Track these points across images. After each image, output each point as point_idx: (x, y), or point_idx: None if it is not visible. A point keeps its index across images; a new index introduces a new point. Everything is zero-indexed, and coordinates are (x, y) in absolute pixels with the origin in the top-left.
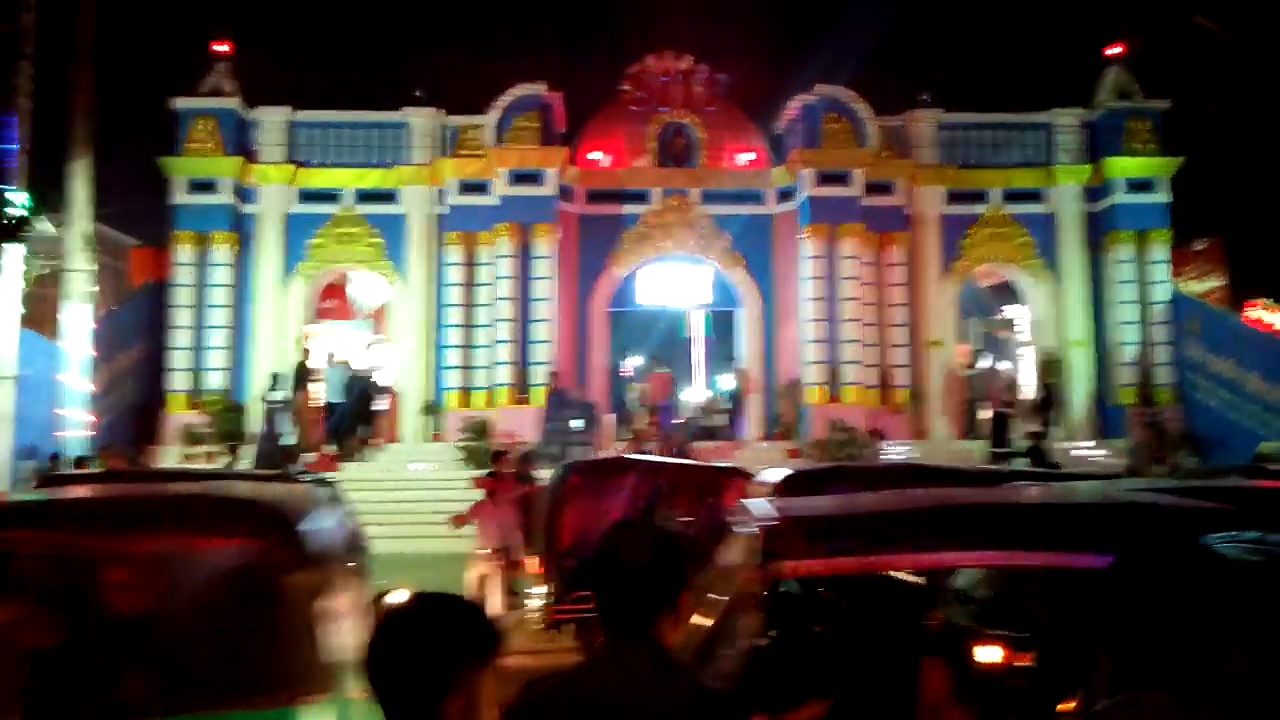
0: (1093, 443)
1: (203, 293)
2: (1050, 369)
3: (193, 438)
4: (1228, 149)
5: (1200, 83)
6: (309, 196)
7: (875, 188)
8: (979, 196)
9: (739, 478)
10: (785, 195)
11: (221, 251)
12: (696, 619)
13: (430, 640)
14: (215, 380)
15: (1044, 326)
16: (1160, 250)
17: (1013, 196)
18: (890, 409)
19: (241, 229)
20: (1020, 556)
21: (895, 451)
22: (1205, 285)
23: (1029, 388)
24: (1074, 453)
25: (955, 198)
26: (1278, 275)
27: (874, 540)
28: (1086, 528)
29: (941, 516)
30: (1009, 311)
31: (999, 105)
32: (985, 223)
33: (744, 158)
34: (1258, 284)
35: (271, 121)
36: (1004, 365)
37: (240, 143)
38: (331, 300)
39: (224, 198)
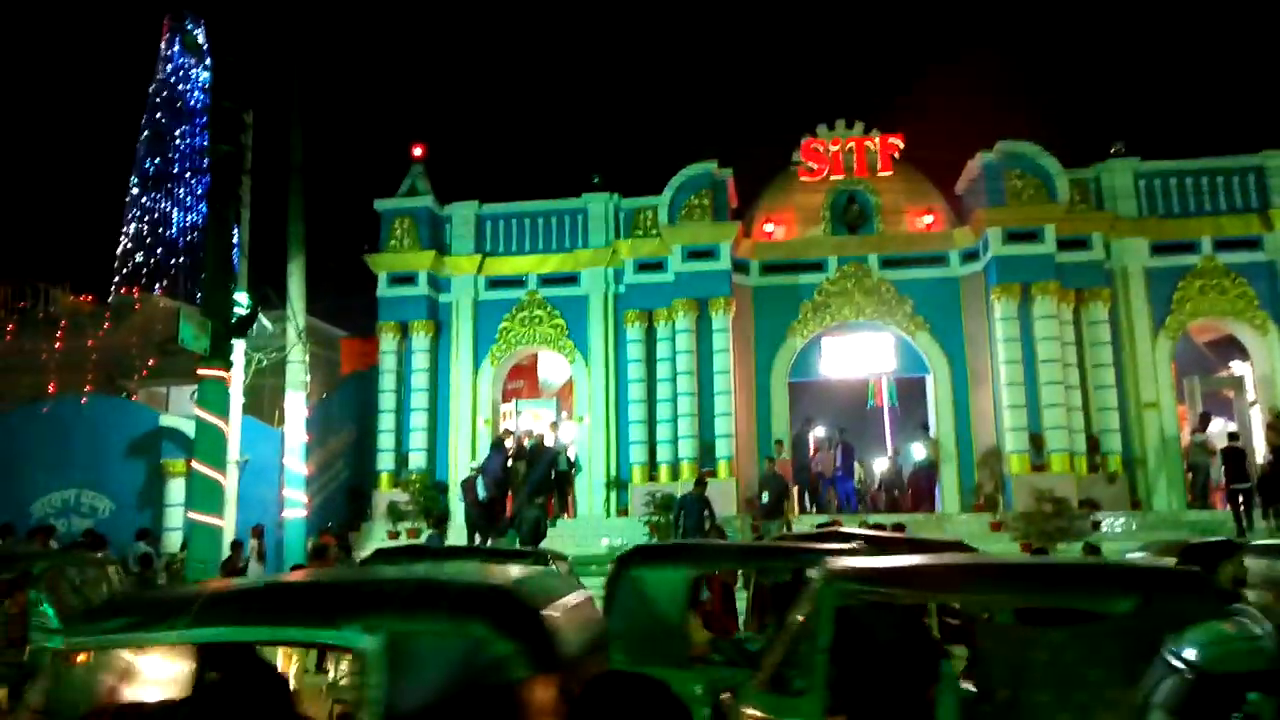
0: None
1: (404, 377)
2: (1278, 431)
3: (397, 515)
4: None
5: None
6: (496, 283)
7: (1069, 243)
8: (1188, 247)
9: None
10: (970, 256)
11: (420, 339)
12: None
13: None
14: (417, 460)
15: (1273, 383)
16: None
17: (1225, 245)
18: (1103, 477)
19: (437, 317)
20: None
21: (1110, 523)
22: None
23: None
24: None
25: (1160, 249)
26: None
27: None
28: None
29: None
30: (1235, 369)
31: (1199, 150)
32: (1197, 274)
33: (923, 220)
34: None
35: (461, 215)
36: (1227, 427)
37: (434, 237)
38: (519, 380)
39: (421, 289)
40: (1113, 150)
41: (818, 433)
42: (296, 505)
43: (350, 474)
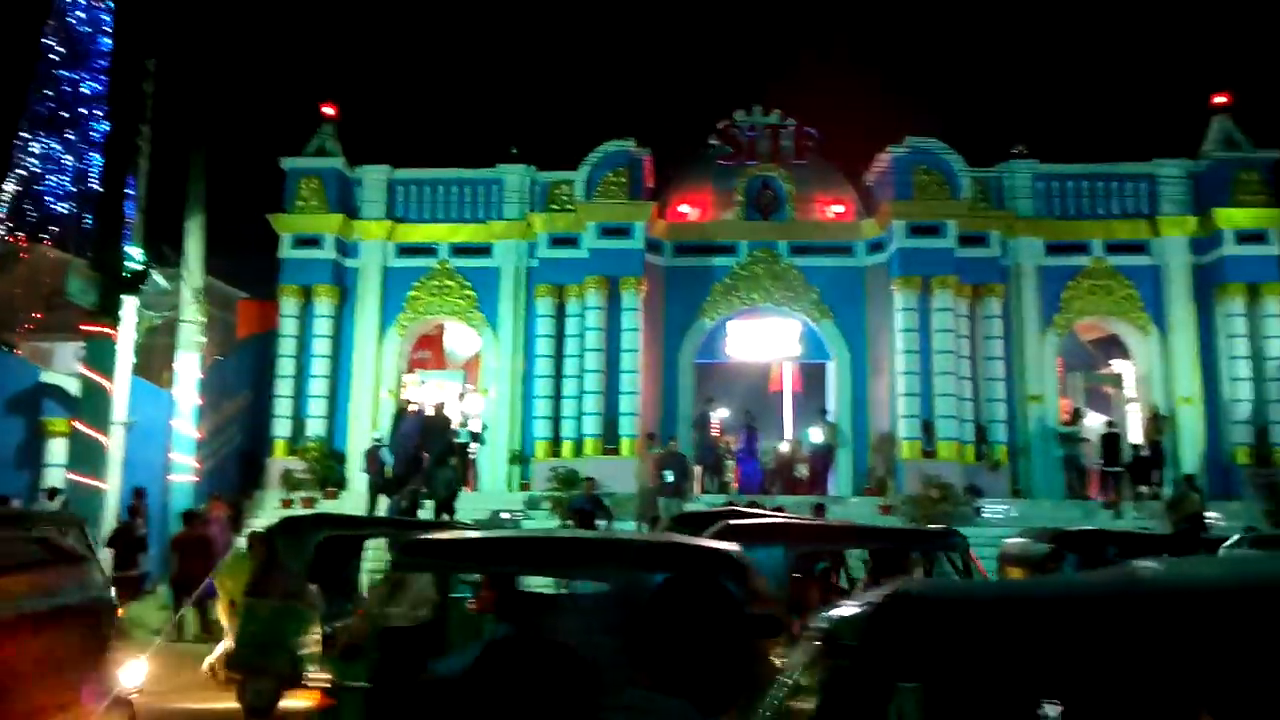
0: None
1: (305, 343)
2: (1157, 426)
3: (292, 483)
4: None
5: None
6: (406, 251)
7: (969, 239)
8: (1080, 248)
9: None
10: (876, 247)
11: (323, 304)
12: None
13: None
14: (315, 427)
15: (1151, 382)
16: (1274, 303)
17: (1115, 248)
18: (988, 465)
19: (343, 282)
20: None
21: (994, 510)
22: None
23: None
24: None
25: (1054, 249)
26: None
27: None
28: None
29: None
30: (1115, 366)
31: (1097, 156)
32: (1087, 275)
33: (833, 210)
34: None
35: (372, 179)
36: (1100, 421)
37: (343, 200)
38: (426, 351)
39: (327, 253)
40: (1014, 152)
41: (721, 414)
42: (184, 470)
43: (244, 440)
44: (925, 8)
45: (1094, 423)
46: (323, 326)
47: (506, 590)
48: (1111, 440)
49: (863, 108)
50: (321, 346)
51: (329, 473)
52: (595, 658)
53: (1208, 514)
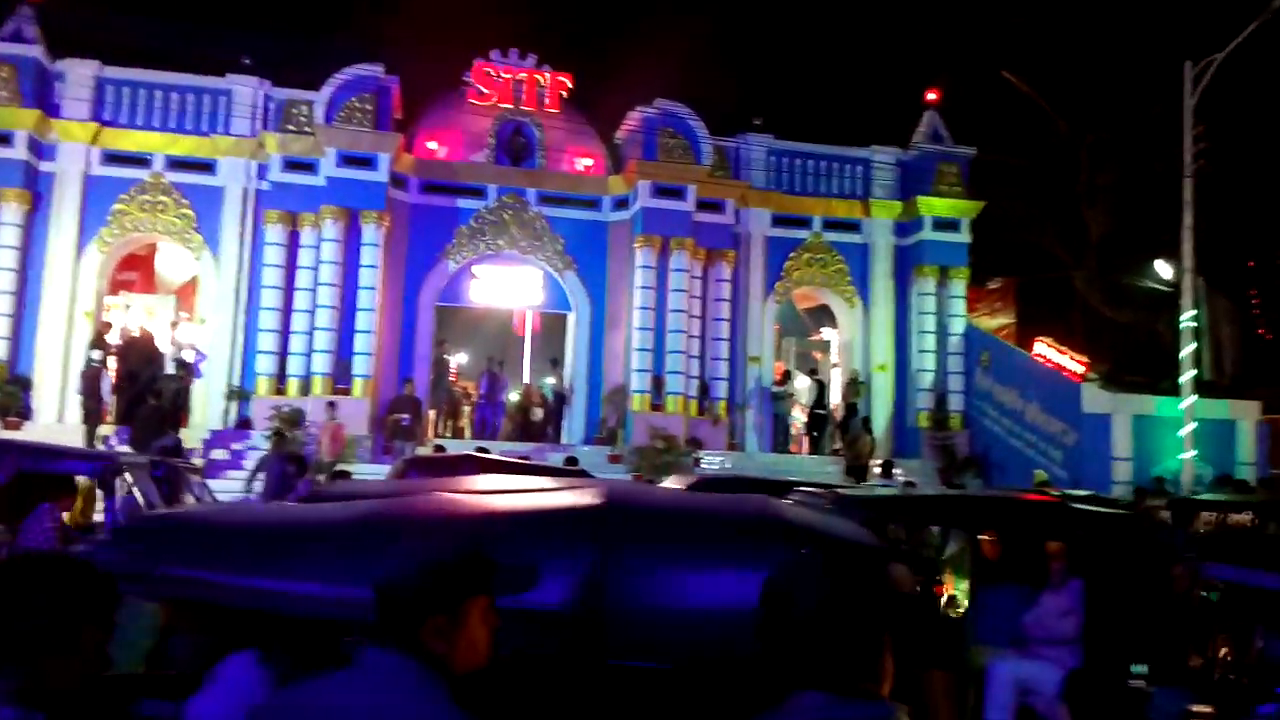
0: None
1: None
2: (854, 389)
3: None
4: (1023, 197)
5: (1003, 133)
6: (113, 159)
7: (707, 205)
8: (803, 222)
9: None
10: (621, 204)
11: (11, 210)
12: None
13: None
14: None
15: (853, 349)
16: (959, 286)
17: (832, 225)
18: (709, 419)
19: (35, 188)
20: None
21: (711, 460)
22: (997, 321)
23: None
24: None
25: (780, 221)
26: (1061, 316)
27: None
28: None
29: None
30: (825, 334)
31: (825, 137)
32: (806, 248)
33: (582, 163)
34: (1043, 323)
35: (77, 74)
36: (808, 383)
37: (40, 95)
38: (133, 272)
39: (18, 152)
40: (754, 124)
41: (460, 359)
42: None
43: None
44: None
45: (801, 384)
46: (9, 235)
47: None
48: (816, 400)
49: (616, 63)
50: (7, 258)
51: (10, 401)
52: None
53: (896, 470)
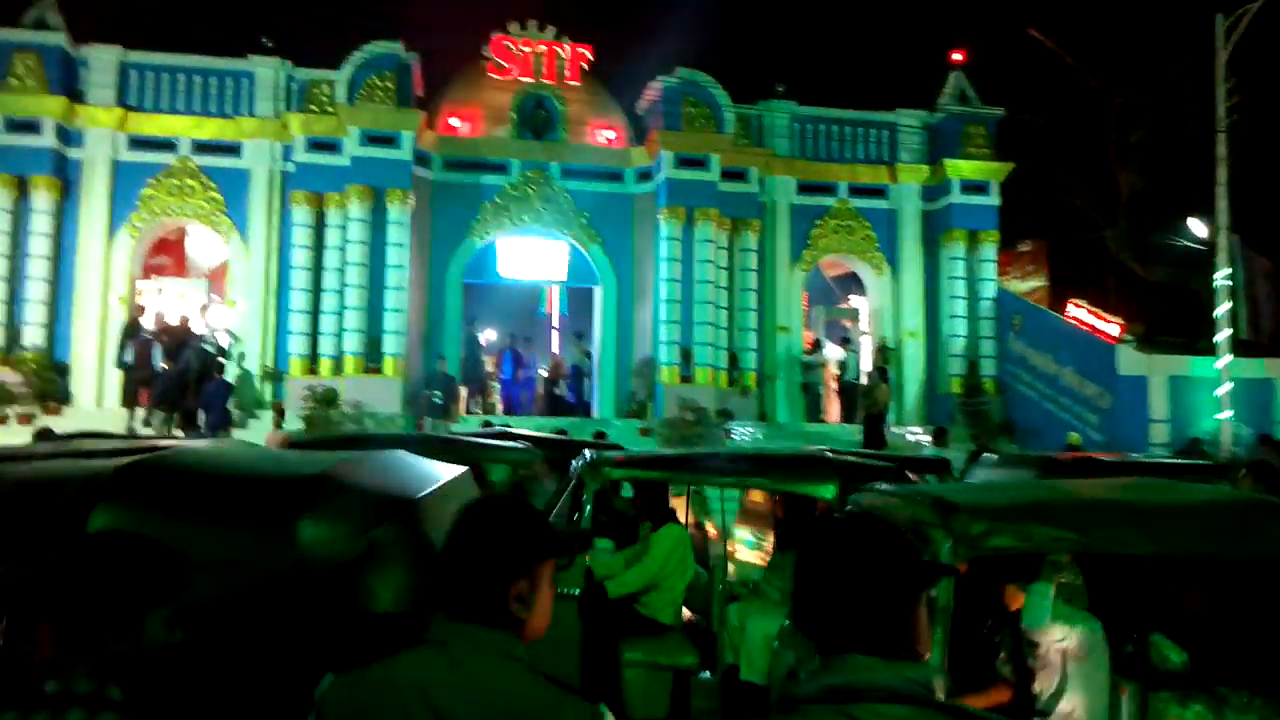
0: (920, 428)
1: (19, 240)
2: (883, 356)
3: (5, 397)
4: (1053, 157)
5: (1031, 93)
6: (140, 144)
7: (731, 174)
8: (828, 189)
9: None
10: (645, 175)
11: (42, 197)
12: None
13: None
14: (33, 336)
15: (883, 317)
16: (989, 250)
17: (858, 191)
18: (738, 391)
19: (65, 175)
20: None
21: (741, 432)
22: (1029, 284)
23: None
24: (909, 438)
25: (805, 189)
26: (1094, 278)
27: None
28: None
29: None
30: (854, 301)
31: (849, 102)
32: (833, 215)
33: (604, 135)
34: (1076, 285)
35: (101, 60)
36: (840, 352)
37: (66, 81)
38: (164, 256)
39: (46, 140)
40: (777, 91)
41: (489, 335)
42: None
43: None
44: None
45: (832, 353)
46: (41, 223)
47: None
48: (845, 368)
49: (636, 33)
50: (40, 245)
51: (49, 386)
52: None
53: (913, 431)
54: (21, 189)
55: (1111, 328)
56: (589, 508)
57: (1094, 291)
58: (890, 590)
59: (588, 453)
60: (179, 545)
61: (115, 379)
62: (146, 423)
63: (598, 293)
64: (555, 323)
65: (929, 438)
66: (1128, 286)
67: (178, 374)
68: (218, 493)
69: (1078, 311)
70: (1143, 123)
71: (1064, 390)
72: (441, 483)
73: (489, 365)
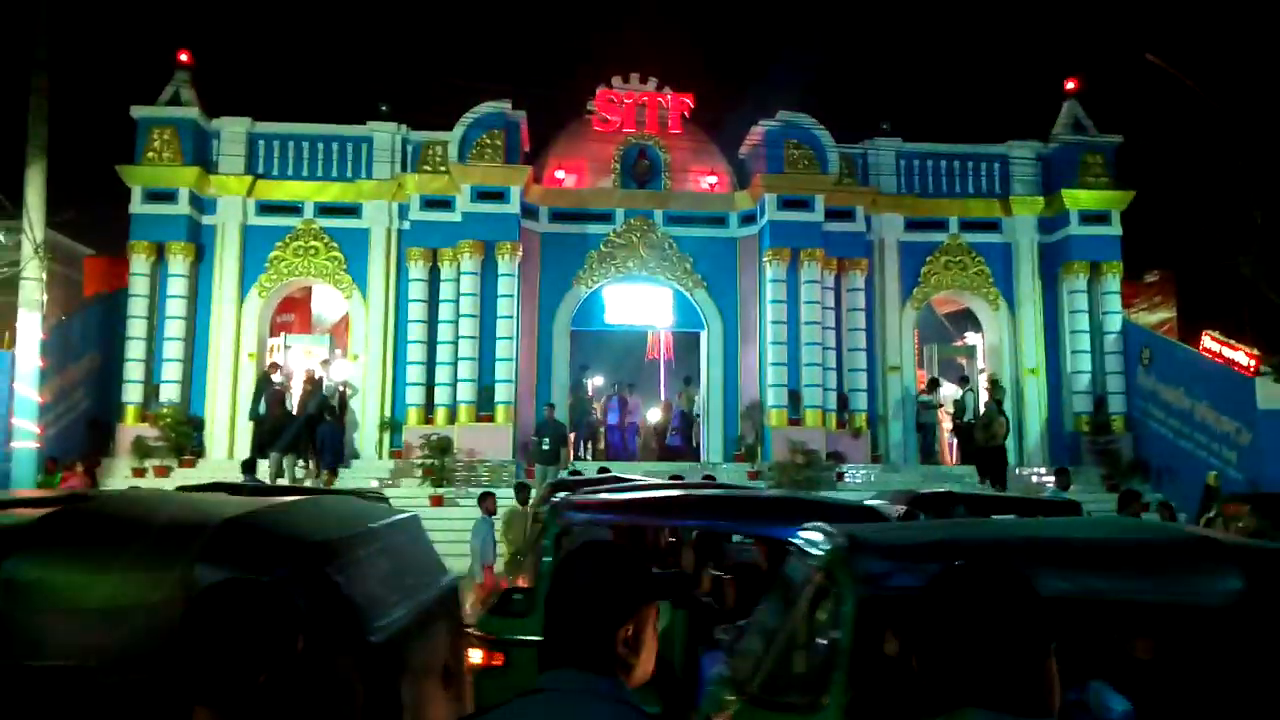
0: (1044, 469)
1: (158, 303)
2: (996, 391)
3: (144, 450)
4: (1177, 184)
5: (1151, 119)
6: (268, 209)
7: (836, 214)
8: (938, 225)
9: None
10: (748, 219)
11: (178, 262)
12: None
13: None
14: (169, 393)
15: (1000, 354)
16: (1112, 281)
17: (970, 226)
18: (849, 433)
19: (199, 240)
20: None
21: (854, 474)
22: (1156, 316)
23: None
24: (1034, 479)
25: (914, 226)
26: (1227, 307)
27: None
28: None
29: None
30: (969, 339)
31: (957, 136)
32: (944, 251)
33: (707, 181)
34: (1208, 316)
35: (231, 132)
36: (957, 392)
37: (199, 153)
38: (290, 314)
39: (181, 208)
40: (881, 129)
41: (596, 381)
42: (27, 436)
43: (91, 404)
44: None
45: (948, 392)
46: (177, 286)
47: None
48: (962, 407)
49: (737, 79)
50: (176, 307)
51: (185, 440)
52: None
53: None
54: (159, 254)
55: (1247, 360)
56: (547, 558)
57: (1227, 322)
58: (1024, 640)
59: (555, 496)
60: (90, 592)
61: (246, 431)
62: (278, 474)
63: (704, 337)
64: (662, 368)
65: (1052, 478)
66: (1265, 315)
67: (302, 422)
68: (120, 540)
69: (1211, 343)
70: (1272, 142)
71: (1199, 426)
72: (370, 526)
73: (597, 412)
